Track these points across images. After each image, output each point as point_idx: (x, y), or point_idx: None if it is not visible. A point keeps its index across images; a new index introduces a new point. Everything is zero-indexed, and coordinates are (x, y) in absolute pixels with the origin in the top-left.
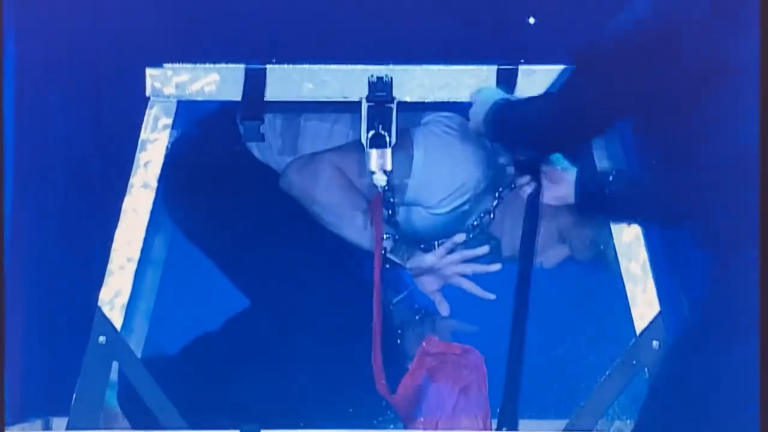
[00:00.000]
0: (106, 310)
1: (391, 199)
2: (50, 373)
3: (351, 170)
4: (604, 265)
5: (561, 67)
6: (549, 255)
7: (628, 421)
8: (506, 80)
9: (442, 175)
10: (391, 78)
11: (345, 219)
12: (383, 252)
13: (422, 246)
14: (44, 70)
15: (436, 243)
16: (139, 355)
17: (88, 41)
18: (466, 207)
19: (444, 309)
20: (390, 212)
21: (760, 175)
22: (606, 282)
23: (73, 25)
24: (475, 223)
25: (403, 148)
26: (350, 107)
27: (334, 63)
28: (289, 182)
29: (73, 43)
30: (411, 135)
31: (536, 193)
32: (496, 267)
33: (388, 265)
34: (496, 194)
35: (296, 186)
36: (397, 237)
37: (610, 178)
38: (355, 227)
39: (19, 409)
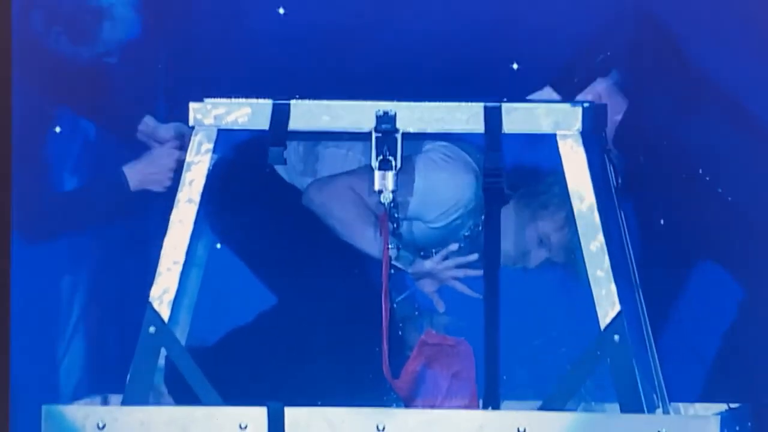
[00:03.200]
0: (155, 304)
1: (396, 215)
2: (109, 357)
3: (362, 190)
4: (575, 268)
5: (540, 105)
6: (530, 257)
7: (593, 402)
8: (491, 116)
9: (438, 195)
10: (396, 112)
11: (357, 231)
12: (389, 259)
13: (422, 254)
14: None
15: (433, 251)
16: (183, 343)
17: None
18: (459, 221)
19: (440, 306)
20: (395, 226)
21: None
22: (576, 284)
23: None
24: (467, 234)
25: (406, 172)
26: (361, 136)
27: (347, 99)
28: (310, 199)
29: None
30: (413, 161)
31: (498, 209)
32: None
33: (393, 270)
34: (484, 211)
35: (316, 203)
36: (400, 246)
37: None
38: (365, 238)
39: (84, 386)
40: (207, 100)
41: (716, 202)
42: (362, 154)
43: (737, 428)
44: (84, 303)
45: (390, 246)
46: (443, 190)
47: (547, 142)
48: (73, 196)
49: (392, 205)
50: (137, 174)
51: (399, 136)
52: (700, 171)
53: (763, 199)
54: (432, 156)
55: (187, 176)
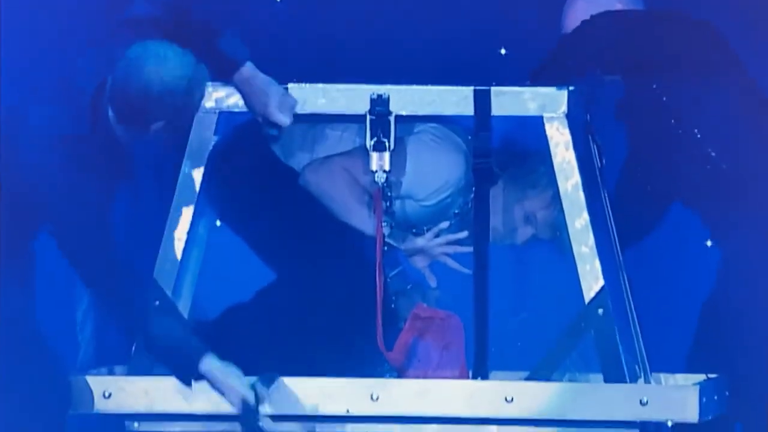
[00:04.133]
0: (160, 279)
1: (389, 194)
2: (115, 330)
3: (356, 170)
4: (561, 244)
5: (527, 88)
6: (518, 234)
7: (578, 373)
8: (481, 99)
9: (429, 174)
10: (389, 95)
11: (351, 210)
12: (383, 236)
13: (414, 231)
14: None
15: (425, 228)
16: (185, 316)
17: None
18: (449, 200)
19: (432, 281)
20: (388, 204)
21: None
22: (562, 259)
23: None
24: (457, 212)
25: (398, 152)
26: (356, 119)
27: (343, 83)
28: (306, 180)
29: None
30: (405, 142)
31: (487, 186)
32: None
33: (386, 247)
34: (473, 190)
35: (312, 183)
36: (393, 224)
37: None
38: (359, 217)
39: (91, 358)
40: (209, 84)
41: (700, 160)
42: (356, 136)
43: (715, 397)
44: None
45: (383, 224)
46: (434, 170)
47: (534, 124)
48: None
49: (385, 184)
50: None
51: (392, 119)
52: (678, 129)
53: (748, 164)
54: (423, 137)
55: (188, 157)
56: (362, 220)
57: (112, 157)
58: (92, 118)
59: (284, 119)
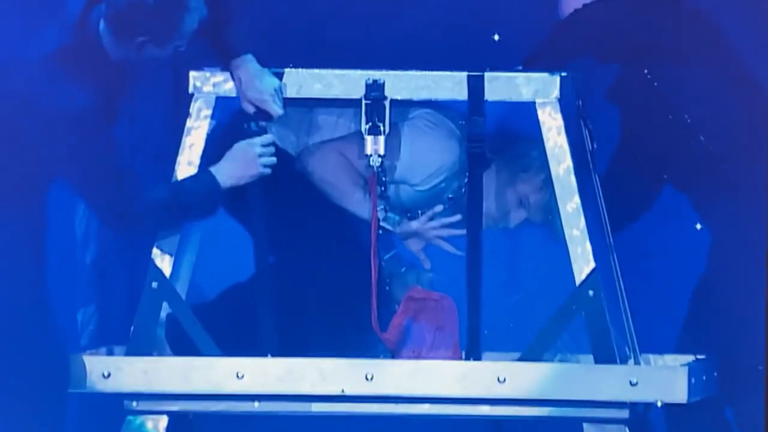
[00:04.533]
0: (158, 261)
1: (384, 179)
2: (114, 309)
3: (352, 155)
4: (553, 227)
5: (520, 74)
6: (511, 217)
7: (569, 353)
8: (474, 84)
9: (423, 160)
10: (384, 81)
11: (347, 194)
12: (377, 220)
13: (408, 215)
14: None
15: (419, 212)
16: (183, 298)
17: None
18: (443, 184)
19: (426, 264)
20: (383, 189)
21: None
22: (553, 242)
23: None
24: (450, 196)
25: (393, 138)
26: (351, 103)
27: (339, 68)
28: (303, 164)
29: None
30: (400, 128)
31: (480, 171)
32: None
33: (381, 231)
34: (467, 174)
35: (308, 167)
36: (388, 208)
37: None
38: (355, 200)
39: (94, 338)
40: (206, 69)
41: (690, 145)
42: (351, 122)
43: (704, 378)
44: (93, 260)
45: (378, 208)
46: (428, 155)
47: (527, 109)
48: (167, 199)
49: (380, 168)
50: (226, 172)
51: (387, 103)
52: (669, 114)
53: (737, 149)
54: (417, 123)
55: (187, 140)
56: (357, 204)
57: (107, 74)
58: (82, 31)
59: (277, 109)
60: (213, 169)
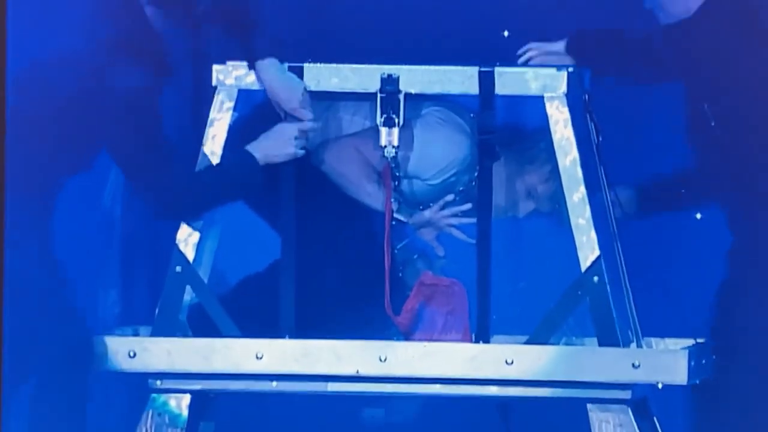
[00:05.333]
0: (182, 246)
1: (397, 173)
2: (139, 293)
3: (366, 150)
4: (560, 217)
5: (529, 69)
6: (520, 207)
7: (574, 337)
8: (485, 79)
9: (434, 155)
10: (398, 75)
11: (361, 187)
12: (391, 211)
13: (421, 208)
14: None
15: (431, 205)
16: (205, 281)
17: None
18: (453, 178)
19: (440, 251)
20: (396, 183)
21: None
22: (560, 231)
23: None
24: (461, 189)
25: (406, 133)
26: (367, 97)
27: (355, 63)
28: (319, 159)
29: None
30: (412, 125)
31: (490, 165)
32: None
33: (394, 222)
34: (477, 169)
35: (324, 162)
36: (401, 201)
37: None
38: (369, 193)
39: (117, 319)
40: (229, 63)
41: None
42: (365, 118)
43: (703, 361)
44: (119, 246)
45: (392, 200)
46: (439, 151)
47: (535, 103)
48: (208, 177)
49: (394, 161)
50: (263, 150)
51: (401, 97)
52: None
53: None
54: (428, 120)
55: (210, 131)
56: (371, 196)
57: (150, 52)
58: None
59: (307, 114)
60: (249, 147)
